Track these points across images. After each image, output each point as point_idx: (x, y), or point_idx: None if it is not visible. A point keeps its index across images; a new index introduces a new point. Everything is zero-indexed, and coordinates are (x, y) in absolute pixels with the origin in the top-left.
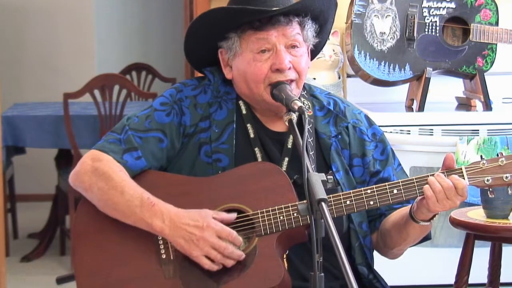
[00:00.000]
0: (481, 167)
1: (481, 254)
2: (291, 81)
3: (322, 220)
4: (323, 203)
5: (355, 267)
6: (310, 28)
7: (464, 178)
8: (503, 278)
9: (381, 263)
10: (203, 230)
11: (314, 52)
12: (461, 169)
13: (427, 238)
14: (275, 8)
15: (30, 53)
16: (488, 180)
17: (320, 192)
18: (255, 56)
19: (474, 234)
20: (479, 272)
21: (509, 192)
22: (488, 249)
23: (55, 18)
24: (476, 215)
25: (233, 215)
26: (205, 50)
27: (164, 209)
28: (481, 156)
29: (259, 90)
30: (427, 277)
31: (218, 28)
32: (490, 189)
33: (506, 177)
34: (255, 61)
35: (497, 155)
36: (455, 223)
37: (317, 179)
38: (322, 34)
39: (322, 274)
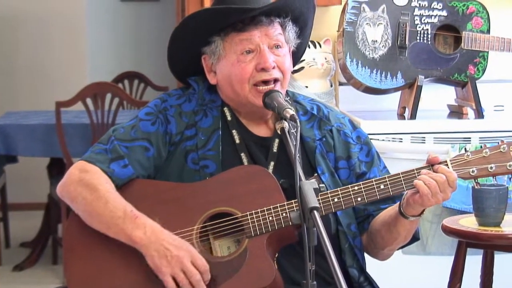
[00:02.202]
0: (466, 159)
1: (474, 262)
2: (276, 80)
3: (315, 228)
4: (315, 212)
5: (346, 270)
6: (291, 29)
7: None
8: (495, 286)
9: (373, 271)
10: (180, 249)
11: (296, 58)
12: (446, 161)
13: (416, 238)
14: (257, 6)
15: (22, 62)
16: (473, 171)
17: (312, 200)
18: (239, 57)
19: (466, 242)
20: (471, 280)
21: (494, 182)
22: (480, 256)
23: (47, 27)
24: (468, 223)
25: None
26: (188, 58)
27: (147, 222)
28: (465, 149)
29: (244, 91)
30: (419, 285)
31: (201, 30)
32: (476, 180)
33: (491, 168)
34: (239, 62)
35: (481, 147)
36: (447, 231)
37: (309, 187)
38: (302, 39)
39: (315, 282)
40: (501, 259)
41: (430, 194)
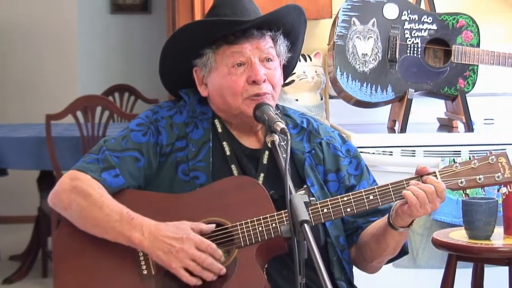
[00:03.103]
0: (454, 170)
1: (464, 275)
2: (267, 94)
3: (305, 242)
4: (305, 225)
5: (334, 282)
6: (282, 43)
7: None
8: None
9: (363, 284)
10: (182, 241)
11: (286, 72)
12: (434, 172)
13: (404, 252)
14: (249, 19)
15: (12, 75)
16: (462, 182)
17: (302, 213)
18: (230, 70)
19: (456, 255)
20: None
21: (483, 193)
22: (470, 270)
23: (38, 39)
24: (458, 236)
25: (212, 226)
26: (180, 71)
27: (144, 222)
28: (453, 160)
29: (237, 103)
30: None
31: (193, 43)
32: (465, 191)
33: (479, 179)
34: (230, 75)
35: (469, 158)
36: (438, 244)
37: (299, 200)
38: (294, 53)
39: None
40: (491, 272)
41: (418, 205)
